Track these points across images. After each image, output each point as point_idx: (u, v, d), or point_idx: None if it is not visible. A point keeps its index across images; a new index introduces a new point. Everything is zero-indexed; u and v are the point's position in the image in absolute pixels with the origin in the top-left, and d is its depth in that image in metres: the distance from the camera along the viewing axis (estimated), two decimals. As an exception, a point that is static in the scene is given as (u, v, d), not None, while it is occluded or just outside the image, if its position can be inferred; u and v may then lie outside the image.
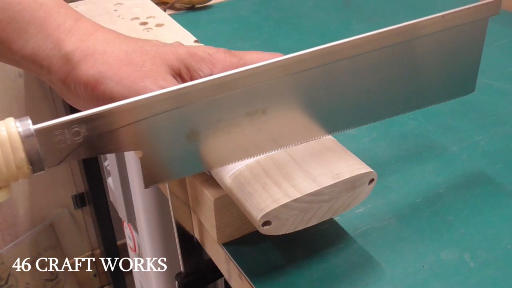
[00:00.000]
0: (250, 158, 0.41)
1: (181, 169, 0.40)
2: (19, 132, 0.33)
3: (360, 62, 0.40)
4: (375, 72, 0.42)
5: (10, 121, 0.33)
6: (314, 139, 0.43)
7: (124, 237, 1.12)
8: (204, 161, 0.40)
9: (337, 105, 0.42)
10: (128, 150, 0.37)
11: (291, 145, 0.42)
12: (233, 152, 0.40)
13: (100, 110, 0.34)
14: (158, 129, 0.37)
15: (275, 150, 0.42)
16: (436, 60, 0.45)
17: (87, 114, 0.34)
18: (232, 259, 0.45)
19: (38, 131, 0.33)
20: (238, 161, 0.41)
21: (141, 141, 0.37)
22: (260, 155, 0.42)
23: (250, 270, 0.43)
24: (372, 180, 0.42)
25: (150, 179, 0.39)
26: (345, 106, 0.42)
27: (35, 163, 0.33)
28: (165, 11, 0.84)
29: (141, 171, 0.38)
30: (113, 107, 0.34)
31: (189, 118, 0.37)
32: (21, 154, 0.33)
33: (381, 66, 0.42)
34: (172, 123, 0.37)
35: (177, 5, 0.88)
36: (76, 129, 0.34)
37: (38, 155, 0.33)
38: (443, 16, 0.42)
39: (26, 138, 0.33)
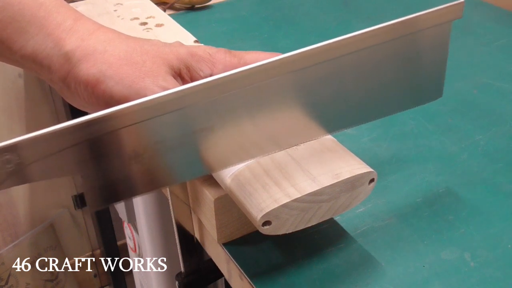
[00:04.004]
0: (251, 159, 0.41)
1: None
2: None
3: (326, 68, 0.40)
4: (331, 82, 0.41)
5: None
6: (315, 139, 0.43)
7: (124, 237, 1.12)
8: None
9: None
10: (67, 175, 0.35)
11: (291, 146, 0.42)
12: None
13: (28, 137, 0.32)
14: (103, 150, 0.35)
15: (275, 151, 0.42)
16: (399, 67, 0.43)
17: (17, 141, 0.32)
18: (233, 259, 0.45)
19: None
20: (240, 162, 0.41)
21: (80, 166, 0.35)
22: (260, 156, 0.42)
23: (251, 270, 0.43)
24: (372, 180, 0.42)
25: (94, 203, 0.37)
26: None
27: None
28: (165, 11, 0.84)
29: (85, 196, 0.37)
30: (41, 134, 0.32)
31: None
32: None
33: (336, 75, 0.41)
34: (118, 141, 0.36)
35: (177, 5, 0.88)
36: (7, 156, 0.32)
37: None
38: (402, 21, 0.40)
39: None
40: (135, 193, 0.39)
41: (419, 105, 0.47)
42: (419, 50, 0.43)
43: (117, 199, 0.38)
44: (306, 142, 0.43)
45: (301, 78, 0.39)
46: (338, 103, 0.42)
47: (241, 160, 0.41)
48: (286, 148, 0.43)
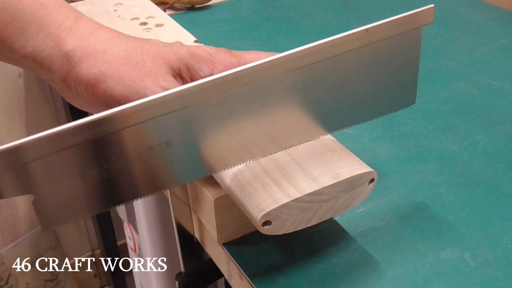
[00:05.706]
0: (251, 159, 0.41)
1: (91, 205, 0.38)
2: None
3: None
4: (307, 88, 0.41)
5: None
6: (315, 139, 0.43)
7: (124, 237, 1.12)
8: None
9: (335, 102, 0.42)
10: (20, 194, 0.34)
11: (291, 146, 0.42)
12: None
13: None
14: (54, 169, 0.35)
15: (275, 151, 0.42)
16: (370, 74, 0.43)
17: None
18: (233, 259, 0.45)
19: None
20: (240, 162, 0.41)
21: (31, 184, 0.34)
22: (260, 156, 0.42)
23: (251, 270, 0.43)
24: (372, 180, 0.42)
25: (46, 222, 0.36)
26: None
27: None
28: (165, 11, 0.84)
29: (36, 215, 0.36)
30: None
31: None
32: None
33: (310, 83, 0.40)
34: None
35: (177, 5, 0.88)
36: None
37: None
38: (366, 29, 0.40)
39: None
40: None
41: (393, 112, 0.46)
42: (390, 57, 0.43)
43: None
44: (306, 142, 0.43)
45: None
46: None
47: (241, 160, 0.41)
48: (286, 148, 0.43)
